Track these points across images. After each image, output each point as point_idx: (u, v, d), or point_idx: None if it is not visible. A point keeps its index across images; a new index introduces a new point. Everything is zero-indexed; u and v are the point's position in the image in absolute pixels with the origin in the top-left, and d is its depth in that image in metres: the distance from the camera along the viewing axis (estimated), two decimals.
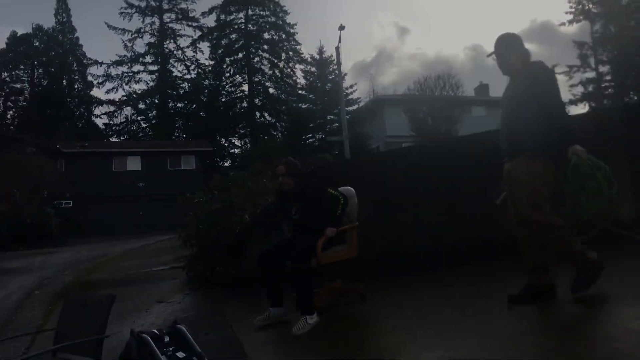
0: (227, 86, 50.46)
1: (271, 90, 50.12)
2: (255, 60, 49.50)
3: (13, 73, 50.36)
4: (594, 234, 3.52)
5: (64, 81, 51.20)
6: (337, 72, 34.25)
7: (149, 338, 3.24)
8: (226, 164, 45.47)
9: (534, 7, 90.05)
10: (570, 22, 29.41)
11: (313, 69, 46.19)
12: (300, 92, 47.95)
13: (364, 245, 6.45)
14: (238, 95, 50.34)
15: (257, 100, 49.86)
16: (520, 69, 3.85)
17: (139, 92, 50.13)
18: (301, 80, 48.62)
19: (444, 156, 6.54)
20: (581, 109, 28.78)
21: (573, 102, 28.58)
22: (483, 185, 6.19)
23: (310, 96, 44.87)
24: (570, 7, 29.15)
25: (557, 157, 3.59)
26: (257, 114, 49.72)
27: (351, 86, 43.98)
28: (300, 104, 45.70)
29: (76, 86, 51.95)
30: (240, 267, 6.15)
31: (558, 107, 3.67)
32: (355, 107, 40.77)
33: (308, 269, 4.28)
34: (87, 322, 3.17)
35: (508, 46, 3.90)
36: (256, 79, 49.69)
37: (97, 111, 52.18)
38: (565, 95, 28.19)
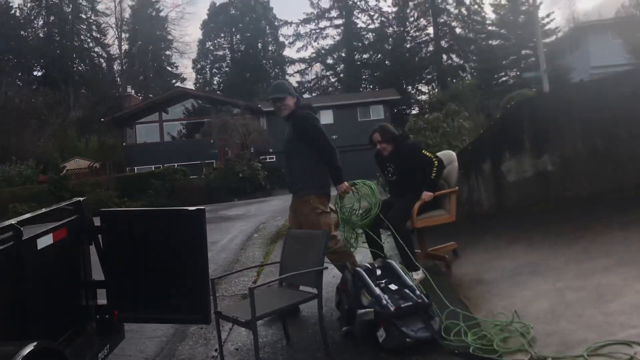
0: (411, 31, 49.48)
1: (458, 30, 47.70)
2: (439, 1, 47.57)
3: (215, 42, 55.69)
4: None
5: (259, 44, 55.00)
6: (530, 1, 31.45)
7: (363, 271, 3.47)
8: (413, 111, 45.04)
9: None
10: None
11: (503, 1, 42.95)
12: (489, 28, 44.97)
13: (573, 183, 6.04)
14: (423, 39, 49.15)
15: (444, 42, 47.94)
16: (291, 115, 4.35)
17: (327, 47, 51.93)
18: (490, 15, 45.43)
19: None
20: None
21: None
22: None
23: (502, 31, 41.79)
24: None
25: (328, 192, 4.35)
26: (444, 57, 47.92)
27: (547, 15, 39.91)
28: (490, 41, 43.02)
29: (270, 48, 55.56)
30: None
31: (326, 150, 4.24)
32: (552, 38, 37.18)
33: (404, 230, 4.59)
34: (306, 256, 3.47)
35: (283, 92, 4.37)
36: (441, 20, 47.75)
37: (289, 70, 55.17)
38: None
